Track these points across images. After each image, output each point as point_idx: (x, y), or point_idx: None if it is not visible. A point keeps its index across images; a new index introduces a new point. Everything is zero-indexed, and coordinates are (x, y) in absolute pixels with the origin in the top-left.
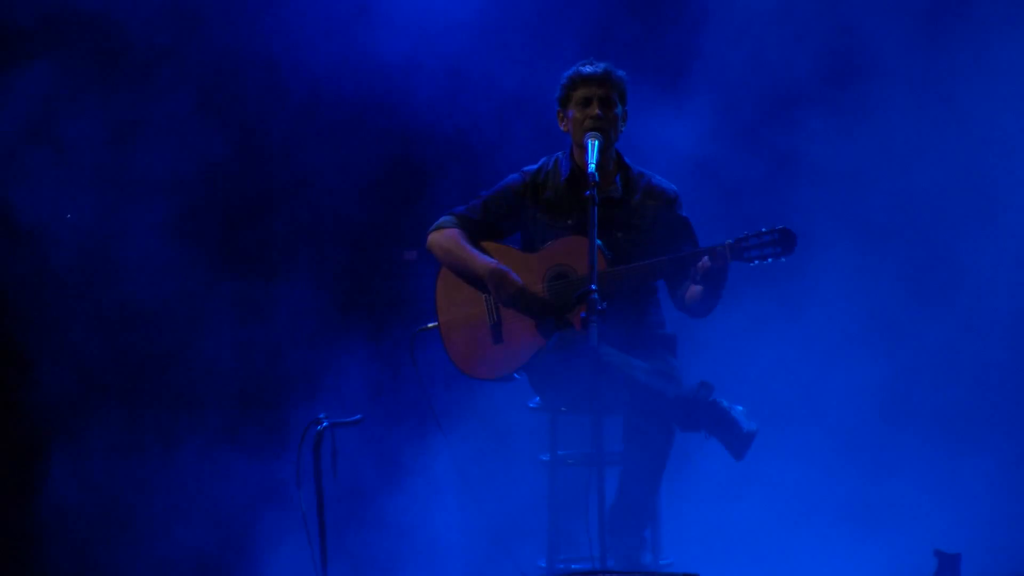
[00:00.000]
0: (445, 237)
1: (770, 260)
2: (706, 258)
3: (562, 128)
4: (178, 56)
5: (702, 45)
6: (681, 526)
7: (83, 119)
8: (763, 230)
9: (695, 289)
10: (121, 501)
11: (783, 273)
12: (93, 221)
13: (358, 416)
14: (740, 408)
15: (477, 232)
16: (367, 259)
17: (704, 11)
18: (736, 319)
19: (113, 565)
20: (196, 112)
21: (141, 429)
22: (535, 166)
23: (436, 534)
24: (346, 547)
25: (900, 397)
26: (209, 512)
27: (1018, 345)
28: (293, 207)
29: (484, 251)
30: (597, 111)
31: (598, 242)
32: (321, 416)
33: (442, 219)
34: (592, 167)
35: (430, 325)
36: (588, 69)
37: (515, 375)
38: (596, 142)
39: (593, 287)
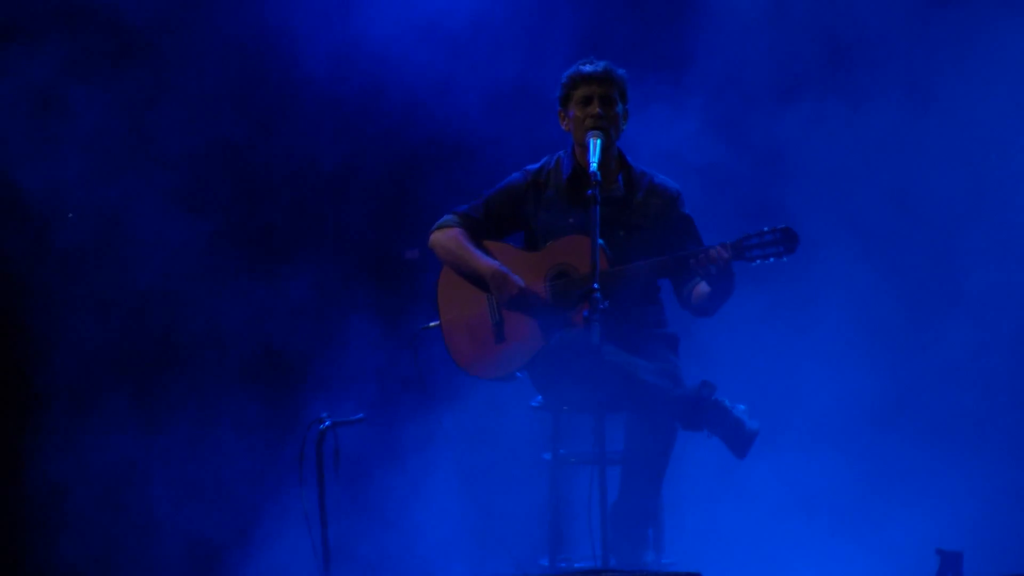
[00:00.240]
0: (447, 237)
1: (772, 260)
2: (708, 257)
3: (563, 127)
4: (184, 37)
5: (697, 43)
6: (683, 525)
7: (93, 96)
8: (765, 229)
9: (701, 288)
10: (123, 482)
11: (786, 272)
12: (99, 201)
13: (360, 415)
14: (742, 407)
15: (479, 231)
16: (368, 257)
17: (698, 9)
18: (738, 318)
19: (117, 544)
20: (208, 96)
21: (143, 409)
22: (537, 165)
23: (438, 532)
24: (348, 546)
25: (902, 396)
26: (211, 496)
27: (1019, 345)
28: (296, 201)
29: (486, 250)
30: (598, 109)
31: (600, 241)
32: (323, 415)
33: (445, 218)
34: (594, 166)
35: (432, 324)
36: (588, 68)
37: (517, 374)
38: (598, 141)
39: (595, 286)
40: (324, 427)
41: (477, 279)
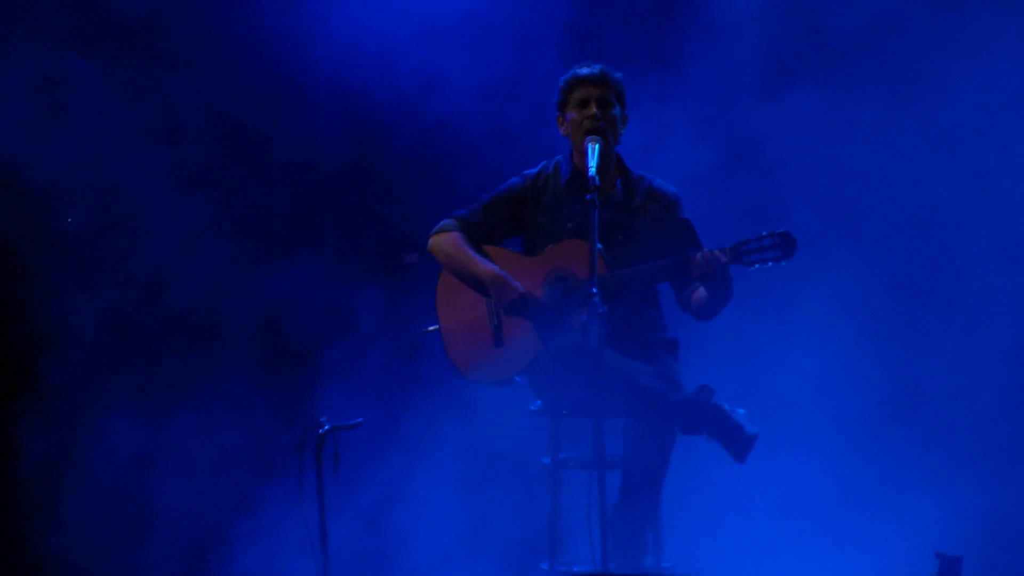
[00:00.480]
0: (447, 241)
1: (770, 264)
2: (706, 261)
3: (561, 132)
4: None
5: (687, 42)
6: (683, 529)
7: (90, 81)
8: (763, 234)
9: (700, 292)
10: (124, 470)
11: (784, 276)
12: (103, 187)
13: (359, 420)
14: (741, 411)
15: (478, 235)
16: (368, 260)
17: (694, 7)
18: (737, 323)
19: (117, 533)
20: (213, 80)
21: (144, 399)
22: (535, 169)
23: (438, 537)
24: (348, 550)
25: (902, 399)
26: (211, 485)
27: (1019, 345)
28: (297, 198)
29: (485, 255)
30: (595, 111)
31: (599, 246)
32: (322, 420)
33: (443, 222)
34: (593, 170)
35: (431, 328)
36: (584, 71)
37: (516, 378)
38: (596, 145)
39: (594, 290)
40: (323, 432)
41: (476, 283)
